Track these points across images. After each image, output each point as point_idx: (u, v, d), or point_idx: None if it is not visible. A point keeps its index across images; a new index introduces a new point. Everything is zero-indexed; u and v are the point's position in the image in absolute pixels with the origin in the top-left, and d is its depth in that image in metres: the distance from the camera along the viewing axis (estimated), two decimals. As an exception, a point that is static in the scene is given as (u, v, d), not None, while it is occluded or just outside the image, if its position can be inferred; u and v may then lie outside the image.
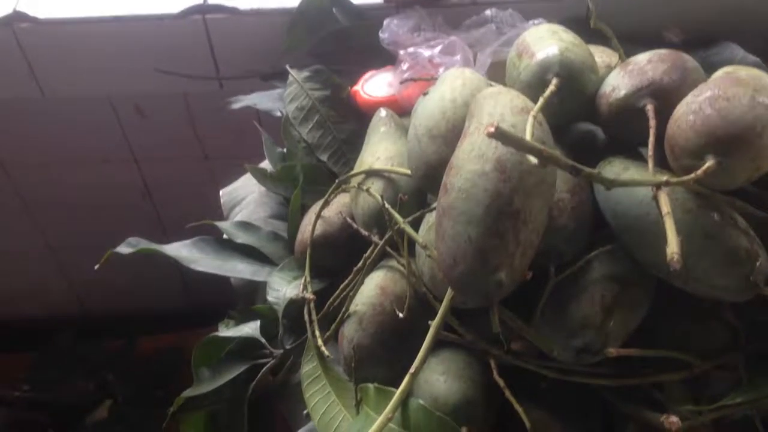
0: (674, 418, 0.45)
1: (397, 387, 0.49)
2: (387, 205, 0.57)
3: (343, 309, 0.58)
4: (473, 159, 0.47)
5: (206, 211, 1.55)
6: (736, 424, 0.51)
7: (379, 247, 0.58)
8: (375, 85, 0.86)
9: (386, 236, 0.58)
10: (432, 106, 0.58)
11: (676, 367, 0.50)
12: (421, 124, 0.57)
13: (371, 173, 0.64)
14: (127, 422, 1.26)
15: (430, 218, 0.58)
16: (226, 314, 1.59)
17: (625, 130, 0.55)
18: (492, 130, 0.38)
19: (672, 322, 0.53)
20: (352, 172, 0.66)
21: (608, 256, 0.51)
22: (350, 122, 0.84)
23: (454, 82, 0.59)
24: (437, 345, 0.58)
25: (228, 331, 0.65)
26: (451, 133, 0.55)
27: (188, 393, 0.66)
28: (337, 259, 0.67)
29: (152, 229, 1.56)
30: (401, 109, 0.79)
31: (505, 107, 0.50)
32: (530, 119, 0.46)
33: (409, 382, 0.47)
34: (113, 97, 1.23)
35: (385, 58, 0.88)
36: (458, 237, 0.46)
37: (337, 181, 0.67)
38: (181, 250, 0.70)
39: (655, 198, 0.44)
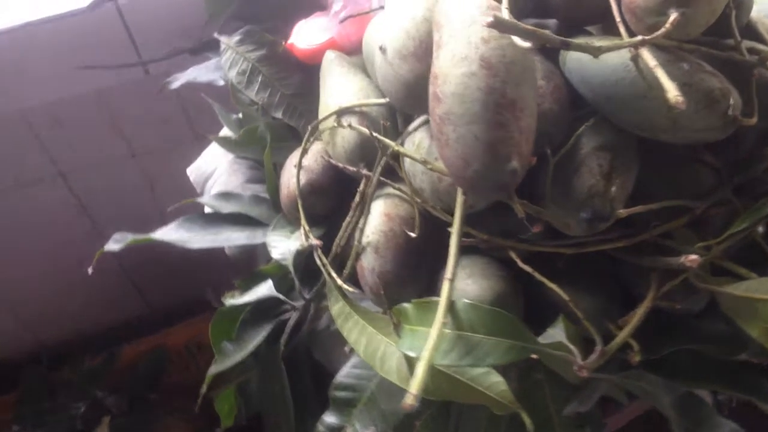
0: (693, 256, 0.48)
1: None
2: (375, 134, 0.58)
3: (355, 244, 0.59)
4: (458, 63, 0.49)
5: (145, 209, 1.53)
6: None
7: (376, 176, 0.59)
8: (308, 34, 0.86)
9: (381, 163, 0.59)
10: (393, 29, 0.58)
11: (678, 215, 0.54)
12: (388, 48, 0.58)
13: (343, 111, 0.65)
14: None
15: (414, 138, 0.60)
16: (189, 310, 1.57)
17: (580, 10, 0.57)
18: (491, 20, 0.39)
19: (661, 177, 0.56)
20: (325, 116, 0.66)
21: (594, 130, 0.54)
22: (294, 76, 0.85)
23: (404, 2, 0.60)
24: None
25: (241, 298, 0.65)
26: (420, 49, 0.56)
27: (215, 369, 0.67)
28: (326, 204, 0.69)
29: (93, 242, 1.52)
30: (341, 50, 0.79)
31: (473, 8, 0.51)
32: (505, 10, 0.48)
33: (449, 287, 0.49)
34: (29, 111, 1.18)
35: (311, 6, 0.88)
36: (464, 139, 0.48)
37: (310, 127, 0.67)
38: (170, 233, 0.69)
39: (634, 59, 0.47)
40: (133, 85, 1.09)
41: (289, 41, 0.85)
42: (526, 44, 0.43)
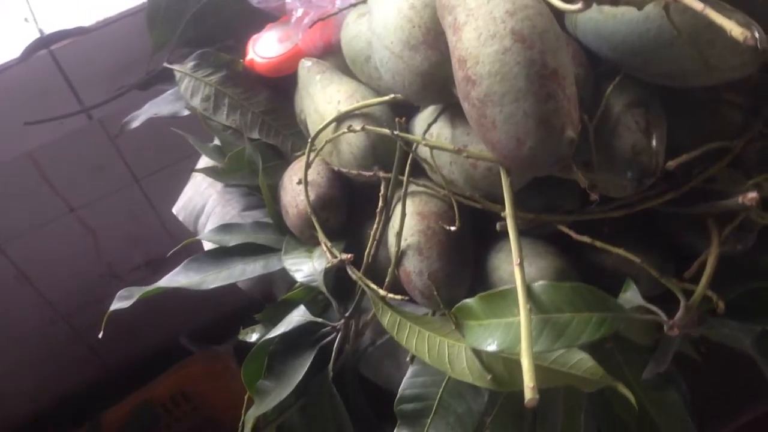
0: (751, 193, 0.48)
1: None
2: (397, 132, 0.55)
3: (394, 250, 0.56)
4: (487, 42, 0.47)
5: (90, 263, 1.45)
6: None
7: (406, 176, 0.56)
8: (266, 47, 0.82)
9: (408, 161, 0.56)
10: (394, 22, 0.56)
11: (715, 159, 0.54)
12: (393, 42, 0.55)
13: (343, 117, 0.62)
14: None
15: (431, 131, 0.57)
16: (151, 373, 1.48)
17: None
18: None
19: (689, 124, 0.56)
20: (324, 124, 0.63)
21: (620, 88, 0.53)
22: (261, 93, 0.81)
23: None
24: (493, 243, 0.59)
25: (273, 330, 0.61)
26: (430, 37, 0.54)
27: (257, 411, 0.62)
28: (339, 217, 0.66)
29: (42, 312, 1.43)
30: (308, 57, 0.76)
31: (485, -17, 0.49)
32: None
33: (522, 272, 0.47)
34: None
35: (260, 19, 0.84)
36: (513, 117, 0.45)
37: (309, 140, 0.64)
38: (178, 279, 0.64)
39: (666, 7, 0.46)
40: (66, 136, 1.02)
41: (248, 58, 0.81)
42: (576, 7, 0.41)
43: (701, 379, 0.56)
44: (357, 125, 0.60)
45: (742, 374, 0.59)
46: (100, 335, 0.62)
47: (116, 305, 0.63)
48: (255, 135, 0.77)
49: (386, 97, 0.60)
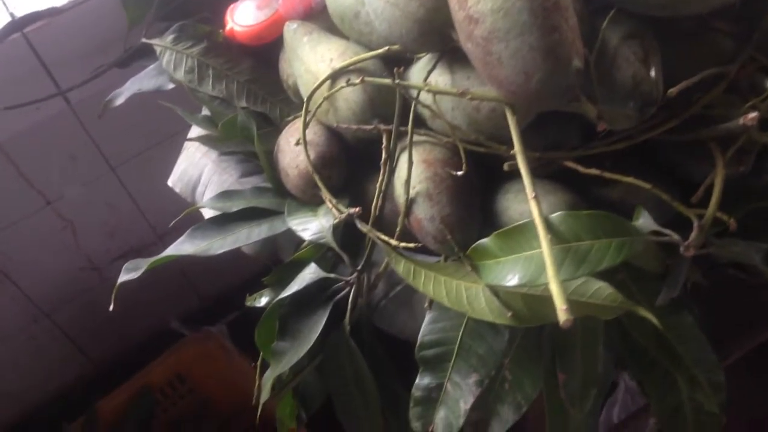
0: (752, 113, 0.49)
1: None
2: (398, 80, 0.55)
3: (404, 198, 0.57)
4: (487, -21, 0.47)
5: (70, 257, 1.43)
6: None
7: (410, 124, 0.57)
8: (245, 15, 0.81)
9: (411, 110, 0.57)
10: (386, -30, 0.55)
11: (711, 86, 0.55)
12: (387, -9, 0.55)
13: (338, 74, 0.62)
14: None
15: (429, 81, 0.58)
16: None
17: None
18: None
19: (682, 54, 0.57)
20: (317, 83, 0.63)
21: (614, 22, 0.54)
22: (244, 62, 0.80)
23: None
24: (499, 186, 0.59)
25: (287, 290, 0.61)
26: (424, -18, 0.54)
27: (275, 372, 0.62)
28: (341, 174, 0.66)
29: (24, 310, 1.41)
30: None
31: None
32: None
33: (538, 205, 0.48)
34: None
35: (236, -13, 0.83)
36: (520, 51, 0.46)
37: (305, 99, 0.63)
38: (183, 247, 0.64)
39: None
40: (39, 126, 1.00)
41: (227, 28, 0.80)
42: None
43: (709, 306, 0.58)
44: (354, 80, 0.60)
45: (748, 300, 0.61)
46: (111, 308, 0.61)
47: (124, 277, 0.63)
48: (243, 103, 0.77)
49: (381, 50, 0.60)
